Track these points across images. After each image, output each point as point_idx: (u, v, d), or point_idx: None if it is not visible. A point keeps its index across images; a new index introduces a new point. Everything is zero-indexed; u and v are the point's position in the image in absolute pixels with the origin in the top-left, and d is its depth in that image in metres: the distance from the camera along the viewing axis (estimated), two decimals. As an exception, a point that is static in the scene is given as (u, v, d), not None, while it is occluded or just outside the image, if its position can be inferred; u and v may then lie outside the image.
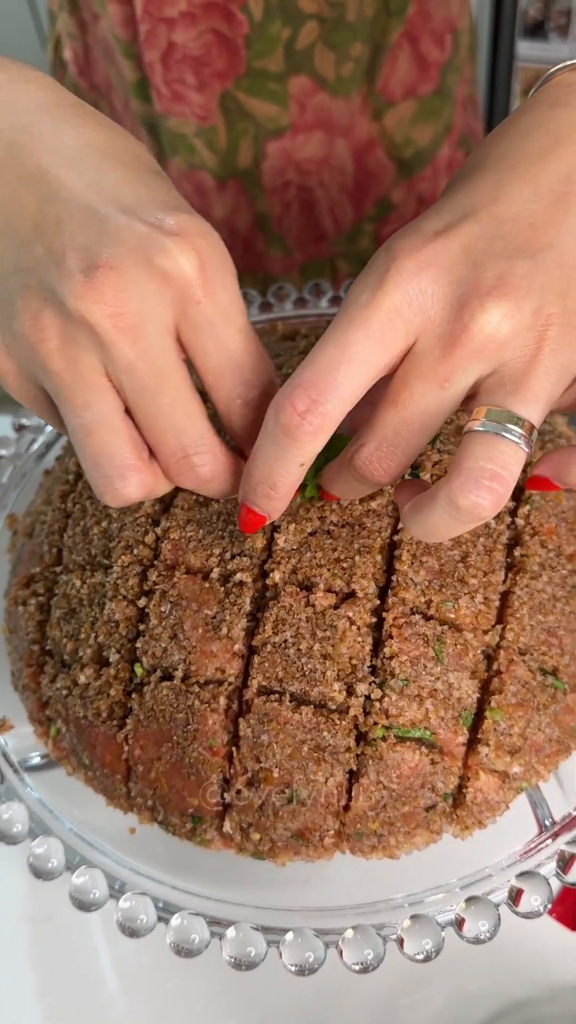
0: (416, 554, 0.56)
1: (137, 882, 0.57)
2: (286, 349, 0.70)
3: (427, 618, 0.56)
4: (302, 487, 0.53)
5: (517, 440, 0.42)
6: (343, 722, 0.54)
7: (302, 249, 1.06)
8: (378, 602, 0.56)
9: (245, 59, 0.89)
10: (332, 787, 0.54)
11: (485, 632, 0.56)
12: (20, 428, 0.79)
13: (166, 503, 0.62)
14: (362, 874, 0.59)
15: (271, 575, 0.56)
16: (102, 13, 0.94)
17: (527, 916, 0.52)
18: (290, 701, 0.54)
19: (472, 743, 0.55)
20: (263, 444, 0.45)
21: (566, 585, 0.58)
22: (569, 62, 0.48)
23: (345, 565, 0.56)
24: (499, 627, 0.56)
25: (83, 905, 0.54)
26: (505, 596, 0.57)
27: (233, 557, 0.57)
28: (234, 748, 0.55)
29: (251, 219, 1.02)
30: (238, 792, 0.55)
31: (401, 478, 0.48)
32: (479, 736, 0.55)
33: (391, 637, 0.55)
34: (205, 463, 0.47)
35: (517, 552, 0.58)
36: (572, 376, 0.44)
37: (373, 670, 0.55)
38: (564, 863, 0.54)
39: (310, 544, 0.57)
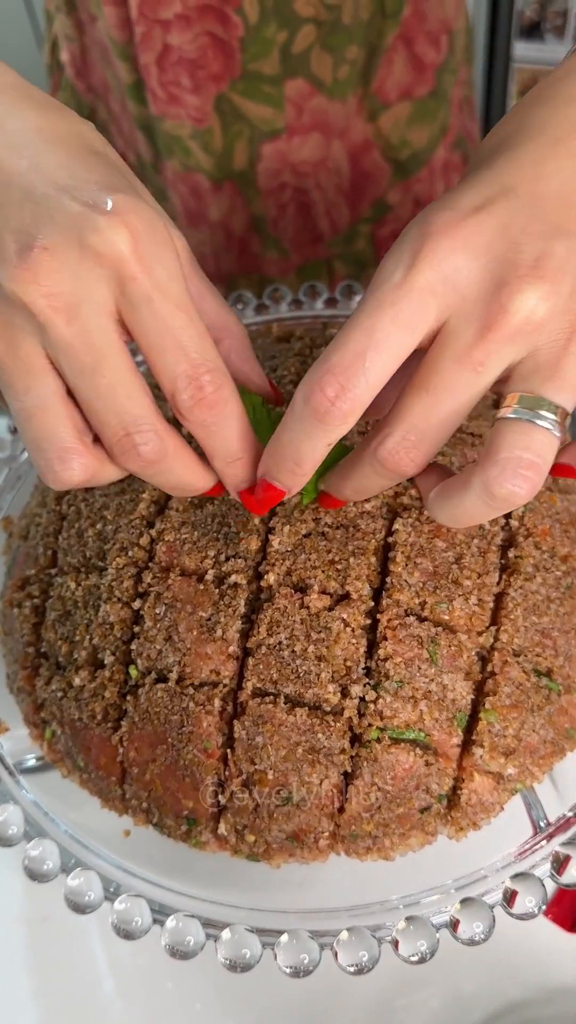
0: (410, 556, 0.56)
1: (132, 884, 0.57)
2: (281, 351, 0.70)
3: (421, 620, 0.56)
4: (300, 493, 0.54)
5: (550, 427, 0.42)
6: (338, 724, 0.54)
7: (298, 251, 1.06)
8: (372, 604, 0.56)
9: (240, 62, 0.89)
10: (327, 789, 0.54)
11: (479, 633, 0.56)
12: (15, 430, 0.79)
13: (161, 505, 0.62)
14: (357, 876, 0.59)
15: (266, 577, 0.56)
16: (99, 15, 0.94)
17: (522, 917, 0.52)
18: (285, 703, 0.54)
19: (466, 744, 0.55)
20: (291, 423, 0.46)
21: (560, 586, 0.58)
22: None
23: (339, 567, 0.56)
24: (493, 628, 0.56)
25: (78, 907, 0.54)
26: (499, 597, 0.57)
27: (228, 559, 0.57)
28: (229, 750, 0.55)
29: (247, 221, 1.02)
30: (233, 794, 0.55)
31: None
32: (473, 737, 0.55)
33: (385, 639, 0.55)
34: (147, 442, 0.46)
35: (511, 553, 0.58)
36: None
37: (367, 672, 0.55)
38: (559, 864, 0.54)
39: (304, 546, 0.57)
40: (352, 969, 0.51)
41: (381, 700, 0.54)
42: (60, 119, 0.47)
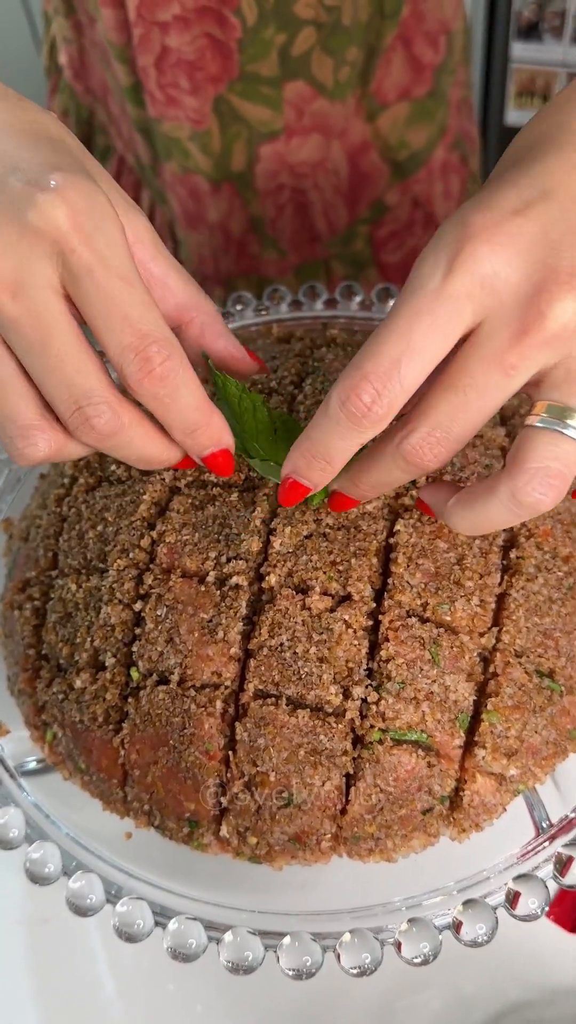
0: (412, 557, 0.56)
1: (134, 887, 0.57)
2: (281, 352, 0.70)
3: (423, 621, 0.56)
4: (310, 498, 0.54)
5: None
6: (339, 725, 0.54)
7: (296, 251, 1.06)
8: (374, 605, 0.56)
9: (238, 63, 0.89)
10: (329, 790, 0.54)
11: (481, 634, 0.56)
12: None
13: (162, 507, 0.62)
14: (359, 877, 0.59)
15: (267, 578, 0.56)
16: (97, 17, 0.94)
17: (524, 919, 0.52)
18: (286, 704, 0.54)
19: (469, 746, 0.55)
20: (324, 424, 0.46)
21: (562, 587, 0.58)
22: None
23: (341, 568, 0.56)
24: (495, 629, 0.56)
25: (79, 910, 0.54)
26: (501, 598, 0.57)
27: (229, 560, 0.57)
28: (231, 752, 0.55)
29: (245, 222, 1.02)
30: (235, 796, 0.55)
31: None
32: (476, 739, 0.55)
33: (387, 640, 0.55)
34: (99, 414, 0.46)
35: (513, 554, 0.58)
36: None
37: (369, 673, 0.55)
38: (561, 865, 0.54)
39: (306, 547, 0.57)
40: (355, 971, 0.51)
41: (383, 701, 0.54)
42: (17, 108, 0.48)
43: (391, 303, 0.77)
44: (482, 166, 1.18)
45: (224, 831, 0.56)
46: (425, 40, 0.97)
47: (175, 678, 0.56)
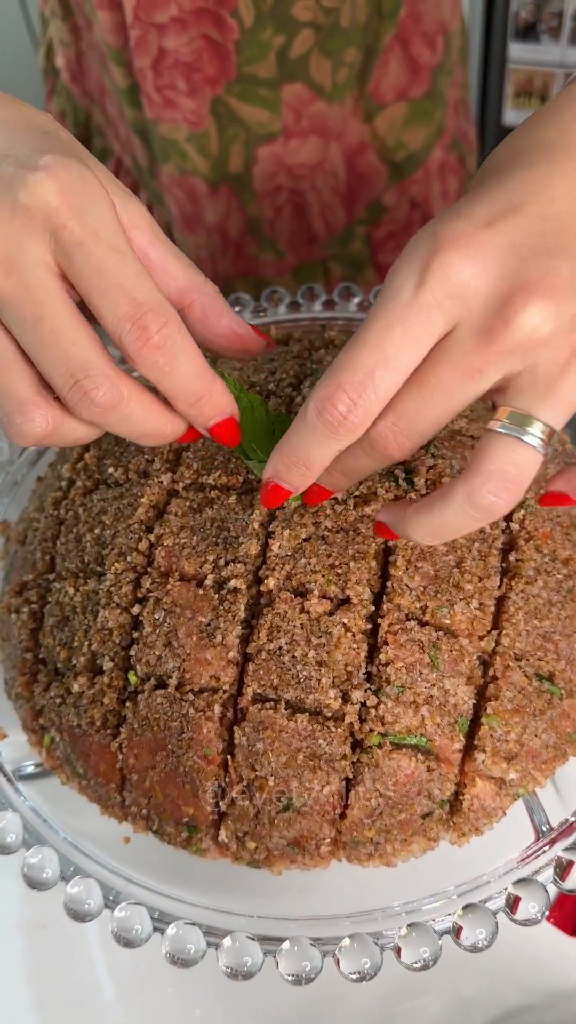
0: (411, 560, 0.56)
1: (132, 891, 0.57)
2: (280, 353, 0.70)
3: (422, 624, 0.55)
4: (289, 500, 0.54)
5: (536, 445, 0.43)
6: (339, 729, 0.54)
7: (294, 252, 1.06)
8: (373, 608, 0.56)
9: (236, 64, 0.89)
10: (328, 795, 0.54)
11: (481, 638, 0.56)
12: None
13: (160, 510, 0.61)
14: (358, 882, 0.59)
15: (265, 581, 0.56)
16: (94, 19, 0.93)
17: (525, 923, 0.52)
18: (285, 708, 0.54)
19: (468, 750, 0.55)
20: (303, 431, 0.47)
21: (561, 590, 0.58)
22: None
23: (340, 571, 0.56)
24: (495, 632, 0.56)
25: (78, 915, 0.54)
26: (500, 601, 0.57)
27: (227, 564, 0.57)
28: (229, 756, 0.55)
29: (243, 223, 1.02)
30: (233, 800, 0.55)
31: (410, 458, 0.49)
32: (475, 742, 0.54)
33: (386, 643, 0.54)
34: (98, 386, 0.46)
35: (512, 557, 0.58)
36: None
37: (368, 677, 0.55)
38: (561, 870, 0.54)
39: (304, 550, 0.57)
40: (354, 976, 0.51)
41: (382, 705, 0.53)
42: (11, 106, 0.50)
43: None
44: (479, 167, 1.18)
45: (223, 835, 0.56)
46: (423, 41, 0.96)
47: (173, 682, 0.56)
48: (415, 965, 0.51)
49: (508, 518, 0.60)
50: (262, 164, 0.96)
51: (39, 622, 0.64)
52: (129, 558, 0.59)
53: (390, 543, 0.57)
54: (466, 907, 0.52)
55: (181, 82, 0.91)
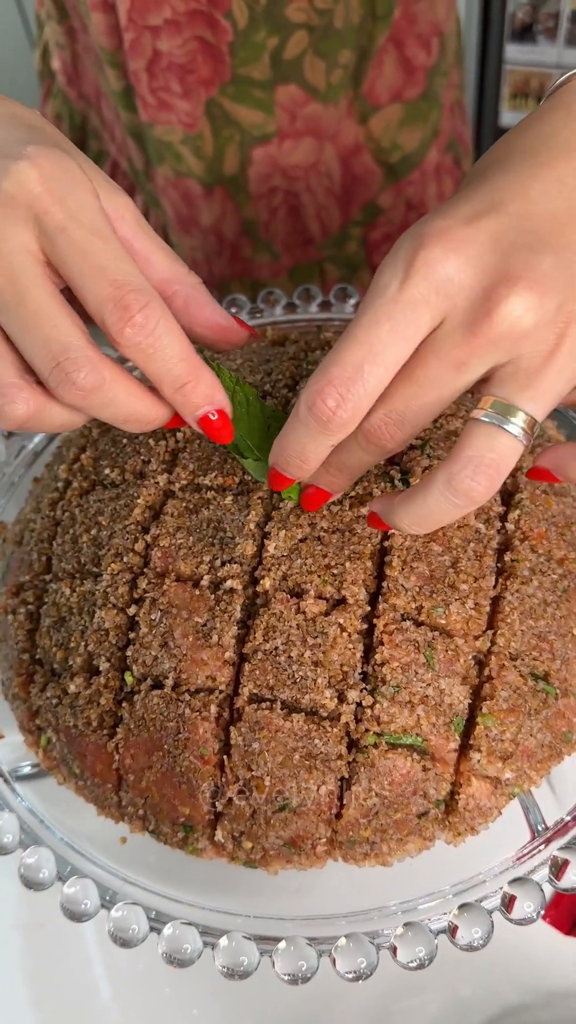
0: (407, 560, 0.56)
1: (128, 892, 0.57)
2: (276, 355, 0.70)
3: (418, 624, 0.56)
4: (289, 493, 0.54)
5: (517, 434, 0.44)
6: (334, 729, 0.54)
7: (290, 254, 1.06)
8: (369, 608, 0.56)
9: (230, 66, 0.89)
10: (324, 795, 0.54)
11: (476, 638, 0.56)
12: (9, 435, 0.79)
13: (156, 511, 0.61)
14: (355, 882, 0.59)
15: (261, 582, 0.56)
16: (89, 22, 0.94)
17: (520, 923, 0.52)
18: (281, 709, 0.54)
19: (464, 749, 0.55)
20: (296, 426, 0.47)
21: (556, 590, 0.58)
22: None
23: (335, 571, 0.56)
24: (490, 632, 0.56)
25: (74, 915, 0.54)
26: (496, 601, 0.57)
27: (223, 564, 0.57)
28: (225, 756, 0.55)
29: (238, 225, 1.02)
30: (230, 801, 0.55)
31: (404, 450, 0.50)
32: (471, 742, 0.55)
33: (382, 643, 0.54)
34: (79, 368, 0.46)
35: (507, 557, 0.58)
36: None
37: (364, 677, 0.55)
38: (557, 869, 0.54)
39: (300, 550, 0.57)
40: (351, 976, 0.51)
41: (378, 705, 0.53)
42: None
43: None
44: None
45: (219, 835, 0.56)
46: (417, 42, 0.97)
47: (169, 682, 0.56)
48: (411, 964, 0.51)
49: (503, 519, 0.60)
50: (257, 166, 0.97)
51: (35, 623, 0.64)
52: (125, 559, 0.59)
53: (386, 544, 0.58)
54: (462, 906, 0.53)
55: (175, 84, 0.91)
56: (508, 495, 0.62)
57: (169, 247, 0.54)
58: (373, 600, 0.57)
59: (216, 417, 0.51)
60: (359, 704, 0.54)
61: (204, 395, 0.50)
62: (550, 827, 0.57)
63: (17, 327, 0.47)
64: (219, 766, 0.55)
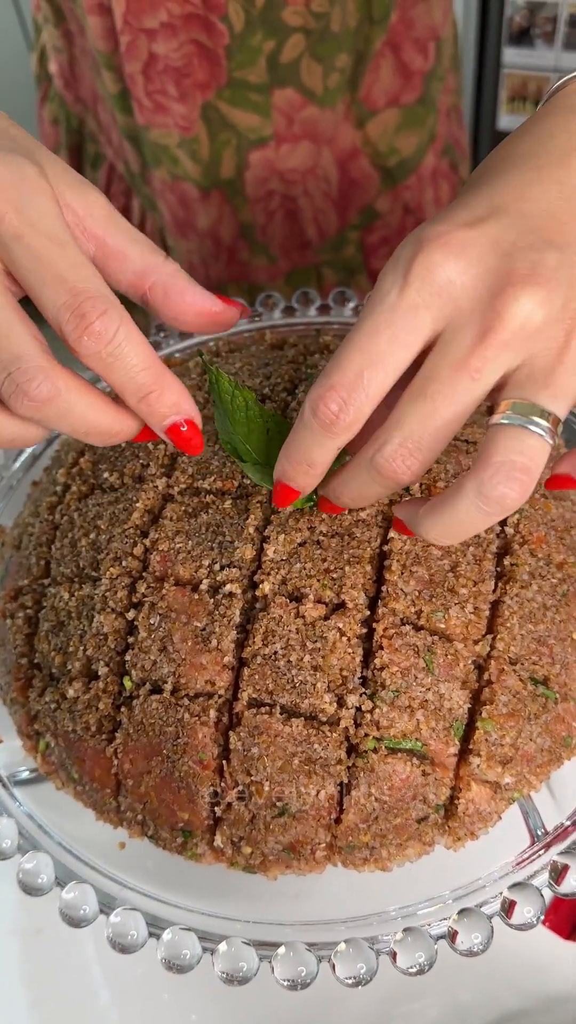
0: (406, 564, 0.56)
1: (127, 897, 0.56)
2: (275, 358, 0.70)
3: (417, 628, 0.55)
4: (298, 502, 0.54)
5: (543, 433, 0.43)
6: (334, 734, 0.54)
7: (287, 257, 1.06)
8: (368, 613, 0.56)
9: (226, 69, 0.89)
10: (323, 800, 0.54)
11: (476, 642, 0.56)
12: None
13: (155, 515, 0.61)
14: (354, 887, 0.59)
15: (260, 586, 0.56)
16: (86, 25, 0.94)
17: (520, 928, 0.52)
18: (280, 713, 0.54)
19: (463, 754, 0.55)
20: (301, 431, 0.47)
21: (556, 594, 0.58)
22: None
23: (335, 576, 0.56)
24: (489, 637, 0.56)
25: (73, 921, 0.54)
26: (495, 606, 0.57)
27: (222, 568, 0.57)
28: (224, 761, 0.55)
29: (235, 228, 1.02)
30: (229, 805, 0.55)
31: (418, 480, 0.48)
32: (470, 747, 0.54)
33: (381, 648, 0.54)
34: (31, 378, 0.45)
35: (507, 561, 0.58)
36: None
37: (364, 681, 0.55)
38: (557, 874, 0.54)
39: (299, 555, 0.57)
40: (350, 981, 0.51)
41: (377, 710, 0.53)
42: None
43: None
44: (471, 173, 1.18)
45: (218, 841, 0.56)
46: (414, 47, 0.97)
47: (168, 687, 0.56)
48: (411, 970, 0.51)
49: (503, 522, 0.60)
50: (254, 169, 0.97)
51: (34, 627, 0.64)
52: (124, 563, 0.59)
53: (385, 548, 0.57)
54: (462, 911, 0.52)
55: (171, 87, 0.91)
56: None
57: (144, 237, 0.52)
58: (372, 604, 0.57)
59: (185, 428, 0.49)
60: (358, 709, 0.54)
61: (170, 404, 0.48)
62: (550, 832, 0.57)
63: None
64: (218, 771, 0.55)
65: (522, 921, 0.52)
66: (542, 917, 0.52)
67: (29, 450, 0.79)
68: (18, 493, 0.77)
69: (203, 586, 0.57)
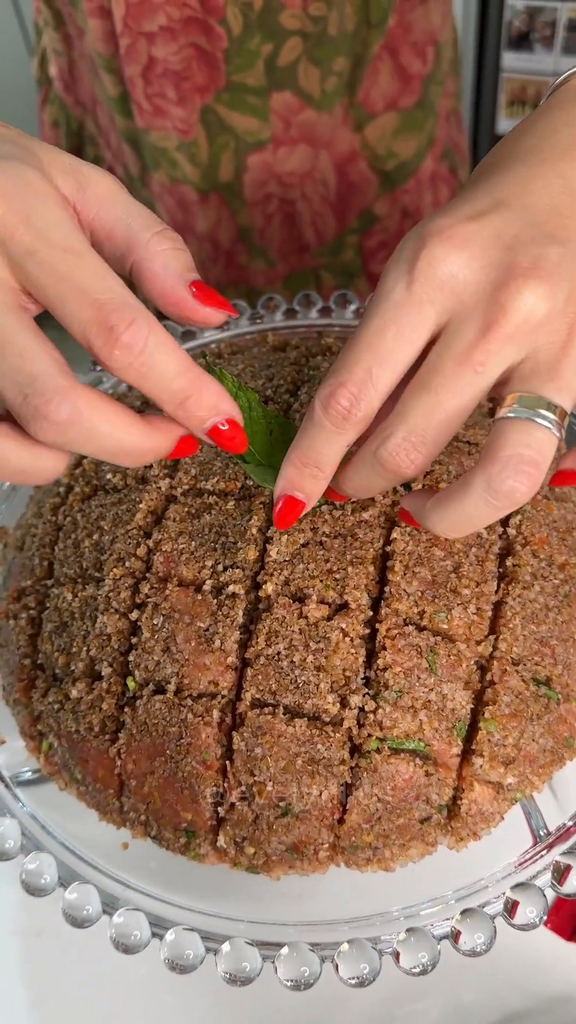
0: (408, 565, 0.56)
1: (130, 897, 0.57)
2: (277, 360, 0.70)
3: (420, 629, 0.56)
4: None
5: (550, 426, 0.43)
6: (337, 734, 0.54)
7: (285, 261, 1.06)
8: (371, 613, 0.56)
9: (225, 73, 0.90)
10: (326, 800, 0.54)
11: (478, 642, 0.56)
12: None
13: (158, 515, 0.62)
14: (357, 887, 0.59)
15: (264, 587, 0.56)
16: (86, 28, 0.94)
17: (523, 928, 0.52)
18: (284, 714, 0.54)
19: (466, 754, 0.55)
20: (310, 430, 0.47)
21: (558, 594, 0.58)
22: None
23: (338, 576, 0.56)
24: (492, 637, 0.56)
25: (76, 921, 0.54)
26: (498, 606, 0.57)
27: (225, 569, 0.57)
28: (228, 762, 0.55)
29: (234, 232, 1.02)
30: (232, 806, 0.55)
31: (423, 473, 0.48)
32: (473, 747, 0.55)
33: (384, 648, 0.54)
34: (49, 400, 0.42)
35: (509, 562, 0.58)
36: None
37: (367, 682, 0.55)
38: (559, 874, 0.54)
39: (302, 555, 0.57)
40: (353, 982, 0.51)
41: (380, 710, 0.53)
42: None
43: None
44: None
45: (221, 841, 0.56)
46: (412, 51, 0.97)
47: (172, 687, 0.56)
48: (414, 970, 0.51)
49: (505, 524, 0.60)
50: (252, 172, 0.97)
51: (37, 628, 0.64)
52: (127, 563, 0.59)
53: (388, 548, 0.58)
54: (464, 912, 0.53)
55: (171, 91, 0.91)
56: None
57: (141, 211, 0.48)
58: (375, 605, 0.57)
59: (227, 427, 0.47)
60: (361, 709, 0.54)
61: (209, 406, 0.46)
62: (552, 832, 0.58)
63: None
64: (221, 771, 0.55)
65: (525, 921, 0.52)
66: (544, 917, 0.52)
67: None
68: (21, 494, 0.77)
69: (206, 587, 0.57)
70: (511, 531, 0.60)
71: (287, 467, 0.49)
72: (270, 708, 0.54)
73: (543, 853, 0.57)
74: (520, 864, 0.56)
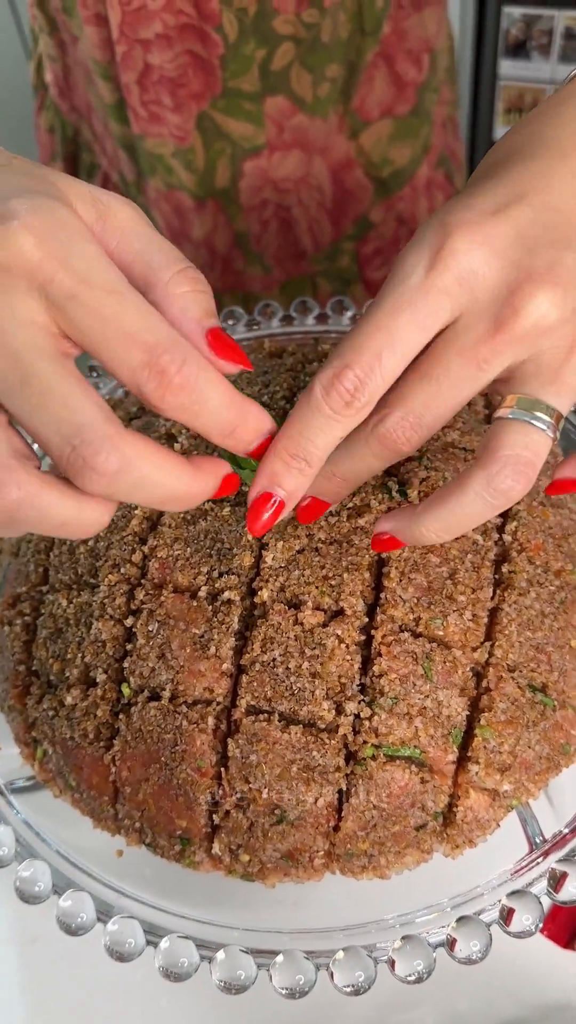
0: (404, 571, 0.56)
1: (125, 905, 0.56)
2: (273, 367, 0.70)
3: (416, 635, 0.55)
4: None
5: (546, 428, 0.44)
6: (332, 741, 0.53)
7: (281, 267, 1.06)
8: (367, 620, 0.56)
9: (221, 79, 0.90)
10: (322, 807, 0.54)
11: (474, 649, 0.56)
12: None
13: (153, 521, 0.61)
14: (352, 895, 0.58)
15: (259, 593, 0.56)
16: (81, 35, 0.94)
17: (519, 936, 0.52)
18: (279, 720, 0.54)
19: (462, 761, 0.55)
20: (305, 415, 0.45)
21: (554, 601, 0.58)
22: None
23: (333, 583, 0.56)
24: (488, 644, 0.56)
25: (70, 929, 0.54)
26: (493, 613, 0.57)
27: (221, 575, 0.57)
28: (223, 769, 0.55)
29: (230, 238, 1.02)
30: (227, 813, 0.55)
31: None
32: (469, 754, 0.54)
33: (380, 655, 0.54)
34: (97, 451, 0.40)
35: (505, 568, 0.58)
36: None
37: (362, 688, 0.55)
38: (555, 881, 0.54)
39: (298, 562, 0.57)
40: (348, 990, 0.51)
41: (376, 717, 0.53)
42: None
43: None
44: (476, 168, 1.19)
45: (216, 848, 0.56)
46: (407, 58, 0.97)
47: (167, 694, 0.55)
48: (409, 978, 0.51)
49: (501, 530, 0.60)
50: (248, 178, 0.97)
51: (32, 634, 0.63)
52: (123, 570, 0.59)
53: (383, 555, 0.57)
54: (460, 919, 0.52)
55: (166, 98, 0.91)
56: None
57: (160, 244, 0.47)
58: (371, 611, 0.57)
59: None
60: (357, 716, 0.54)
61: (254, 431, 0.45)
62: (548, 839, 0.57)
63: (25, 409, 0.41)
64: (216, 778, 0.55)
65: (521, 929, 0.52)
66: (540, 925, 0.52)
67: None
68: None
69: (202, 593, 0.57)
70: (507, 537, 0.59)
71: (272, 460, 0.46)
72: (265, 715, 0.54)
73: (539, 860, 0.56)
74: (516, 871, 0.56)
